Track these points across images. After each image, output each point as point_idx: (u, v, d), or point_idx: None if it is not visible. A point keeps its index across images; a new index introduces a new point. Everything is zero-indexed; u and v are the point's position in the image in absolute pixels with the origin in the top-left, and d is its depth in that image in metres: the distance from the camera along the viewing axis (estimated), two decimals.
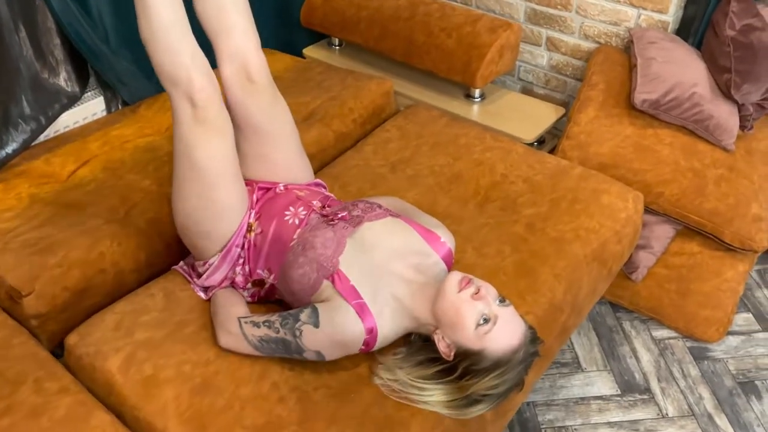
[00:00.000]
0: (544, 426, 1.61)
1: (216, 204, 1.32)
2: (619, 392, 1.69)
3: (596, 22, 2.03)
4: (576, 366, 1.75)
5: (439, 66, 1.98)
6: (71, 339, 1.33)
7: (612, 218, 1.60)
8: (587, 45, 2.08)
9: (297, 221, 1.36)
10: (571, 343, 1.82)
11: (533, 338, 1.19)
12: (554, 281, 1.44)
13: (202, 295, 1.40)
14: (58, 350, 1.45)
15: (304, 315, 1.22)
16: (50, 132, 1.94)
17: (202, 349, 1.29)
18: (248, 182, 1.45)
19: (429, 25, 1.99)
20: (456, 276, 1.18)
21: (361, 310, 1.21)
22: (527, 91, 2.29)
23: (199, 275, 1.40)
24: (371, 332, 1.21)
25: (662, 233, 1.81)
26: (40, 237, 1.49)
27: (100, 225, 1.53)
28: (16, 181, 1.71)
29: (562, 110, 2.03)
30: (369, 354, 1.26)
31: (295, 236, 1.33)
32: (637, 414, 1.64)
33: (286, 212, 1.38)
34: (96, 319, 1.36)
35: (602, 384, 1.71)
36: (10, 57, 1.81)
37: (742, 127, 1.83)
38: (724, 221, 1.72)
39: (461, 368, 1.16)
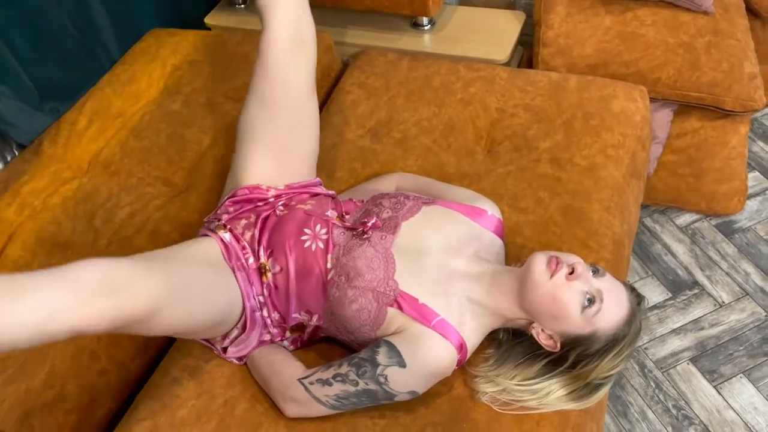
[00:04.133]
0: None
1: (210, 308, 1.05)
2: (670, 295, 1.63)
3: None
4: None
5: (381, 2, 1.71)
6: None
7: (631, 125, 1.46)
8: None
9: (321, 245, 1.13)
10: None
11: (639, 300, 1.06)
12: (608, 215, 1.30)
13: (234, 361, 1.17)
14: None
15: (382, 356, 1.02)
16: None
17: (268, 429, 1.08)
18: (238, 215, 1.19)
19: None
20: (540, 258, 1.01)
21: (443, 329, 1.03)
22: (466, 0, 2.06)
23: (224, 349, 1.15)
24: (461, 348, 1.04)
25: (662, 119, 1.71)
26: (5, 357, 1.18)
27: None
28: None
29: (522, 15, 1.83)
30: (459, 368, 1.09)
31: (329, 265, 1.11)
32: (696, 311, 1.59)
33: (303, 237, 1.14)
34: (126, 425, 1.11)
35: (651, 292, 1.64)
36: None
37: None
38: (723, 89, 1.63)
39: (573, 356, 1.02)
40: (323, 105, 1.68)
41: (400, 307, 1.04)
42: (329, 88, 1.74)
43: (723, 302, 1.61)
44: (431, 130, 1.51)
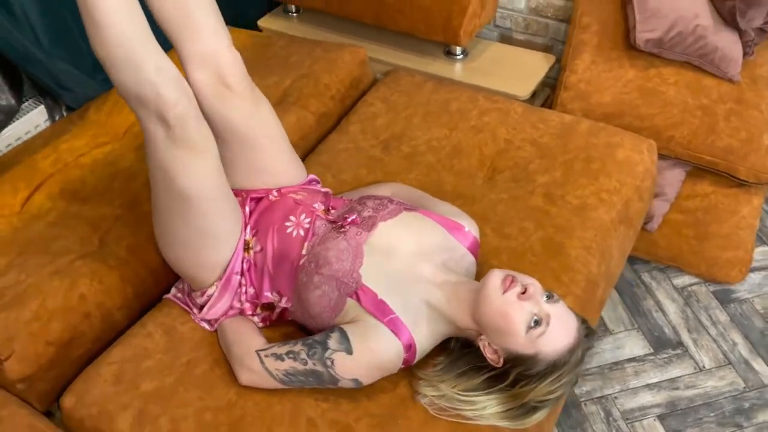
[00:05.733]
0: (582, 399, 1.54)
1: (207, 232, 1.16)
2: (651, 350, 1.63)
3: None
4: (603, 329, 1.68)
5: (416, 26, 1.80)
6: (67, 401, 1.17)
7: (631, 174, 1.49)
8: None
9: (302, 232, 1.21)
10: None
11: (588, 332, 1.09)
12: (587, 255, 1.33)
13: (206, 326, 1.25)
14: (54, 408, 1.30)
15: (333, 341, 1.08)
16: None
17: (220, 392, 1.15)
18: (237, 192, 1.28)
19: None
20: (497, 275, 1.06)
21: (395, 326, 1.08)
22: (506, 38, 2.13)
23: (200, 307, 1.24)
24: (410, 348, 1.09)
25: (674, 178, 1.72)
26: (6, 286, 1.30)
27: (73, 261, 1.34)
28: None
29: (552, 58, 1.89)
30: (407, 368, 1.13)
31: (303, 251, 1.18)
32: (674, 371, 1.58)
33: (287, 223, 1.22)
34: (91, 372, 1.20)
35: (633, 344, 1.64)
36: None
37: (744, 53, 1.73)
38: (738, 158, 1.63)
39: (513, 374, 1.05)
40: (347, 113, 1.77)
41: (358, 299, 1.10)
42: (356, 99, 1.83)
43: (704, 367, 1.59)
44: (439, 150, 1.58)
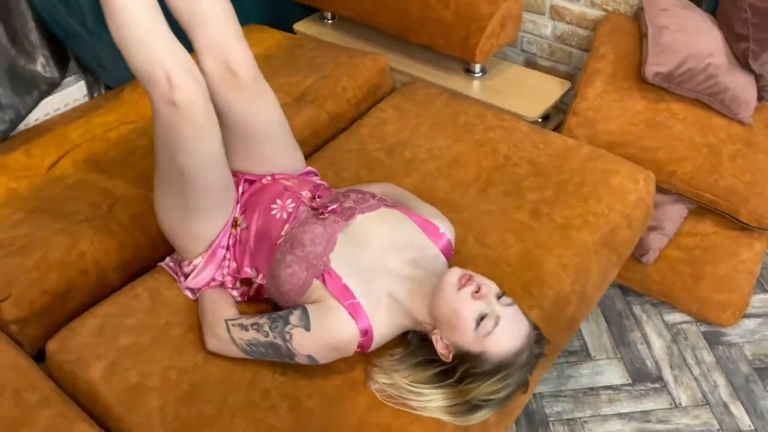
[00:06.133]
0: (551, 419, 1.55)
1: (199, 208, 1.24)
2: (629, 381, 1.62)
3: None
4: (585, 354, 1.68)
5: (436, 41, 1.87)
6: (52, 345, 1.26)
7: (622, 201, 1.51)
8: (594, 13, 1.96)
9: (285, 215, 1.28)
10: (579, 330, 1.75)
11: (538, 339, 1.12)
12: (561, 272, 1.35)
13: (189, 294, 1.33)
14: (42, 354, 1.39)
15: (294, 317, 1.14)
16: (30, 120, 1.85)
17: (189, 354, 1.22)
18: (234, 173, 1.36)
19: None
20: (455, 272, 1.10)
21: (354, 310, 1.13)
22: (531, 63, 2.17)
23: (186, 275, 1.32)
24: (366, 333, 1.14)
25: (674, 213, 1.72)
26: (17, 236, 1.41)
27: (81, 222, 1.45)
28: None
29: (568, 84, 1.92)
30: (365, 355, 1.18)
31: (282, 232, 1.25)
32: (649, 404, 1.57)
33: (273, 206, 1.29)
34: (77, 323, 1.29)
35: (612, 373, 1.64)
36: None
37: (759, 98, 1.72)
38: (741, 200, 1.62)
39: (460, 371, 1.09)
40: (360, 116, 1.84)
41: (324, 282, 1.16)
42: (372, 104, 1.90)
43: (680, 404, 1.57)
44: (439, 159, 1.63)
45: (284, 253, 1.21)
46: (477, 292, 1.07)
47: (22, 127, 1.82)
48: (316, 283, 1.17)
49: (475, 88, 1.92)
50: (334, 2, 2.04)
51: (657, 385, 1.61)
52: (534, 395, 1.60)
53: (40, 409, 1.14)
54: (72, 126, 1.79)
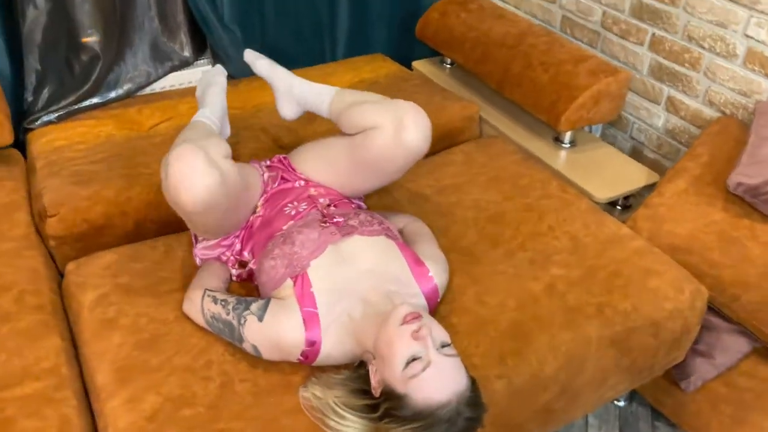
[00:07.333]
0: None
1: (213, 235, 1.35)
2: None
3: (724, 89, 1.75)
4: None
5: (527, 100, 1.84)
6: (70, 266, 1.42)
7: (653, 305, 1.36)
8: (710, 113, 1.81)
9: (293, 213, 1.33)
10: None
11: (472, 402, 1.04)
12: (548, 353, 1.25)
13: (197, 260, 1.42)
14: None
15: (255, 306, 1.18)
16: (156, 87, 2.10)
17: (166, 309, 1.30)
18: (271, 166, 1.45)
19: (530, 57, 1.85)
20: (404, 309, 1.07)
21: (310, 319, 1.14)
22: (637, 151, 2.05)
23: (199, 242, 1.41)
24: (313, 345, 1.14)
25: (732, 345, 1.51)
26: (90, 170, 1.61)
27: (143, 174, 1.61)
28: (106, 121, 1.87)
29: (655, 177, 1.78)
30: (307, 365, 1.18)
31: (284, 227, 1.30)
32: None
33: (290, 204, 1.35)
34: (98, 255, 1.44)
35: None
36: (136, 14, 1.99)
37: None
38: None
39: (383, 408, 1.04)
40: (432, 155, 1.86)
41: (295, 283, 1.18)
42: (449, 146, 1.90)
43: None
44: (481, 210, 1.59)
45: (275, 245, 1.25)
46: (417, 331, 1.03)
47: (147, 90, 2.08)
48: (289, 282, 1.20)
49: (557, 157, 1.85)
50: (449, 47, 2.10)
51: None
52: None
53: (30, 313, 1.28)
54: (185, 99, 2.00)
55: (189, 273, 1.39)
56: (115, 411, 1.12)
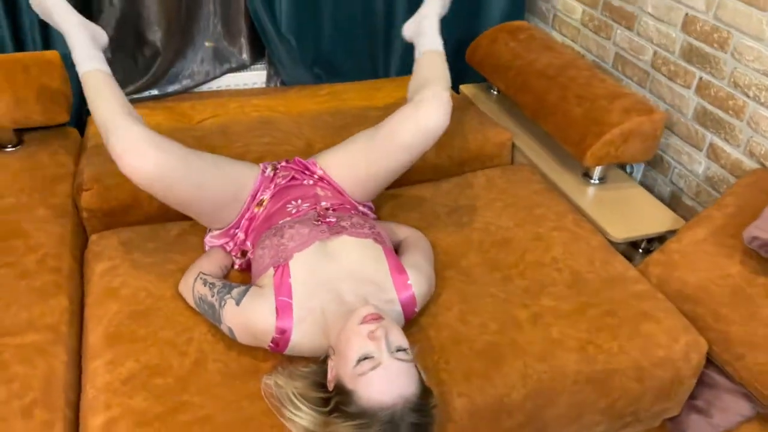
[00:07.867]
0: None
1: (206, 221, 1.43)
2: None
3: (766, 141, 1.68)
4: None
5: (557, 131, 1.82)
6: (93, 237, 1.54)
7: (642, 350, 1.32)
8: (749, 164, 1.73)
9: (294, 210, 1.39)
10: None
11: (418, 409, 1.04)
12: (518, 379, 1.24)
13: (206, 245, 1.51)
14: None
15: (236, 290, 1.24)
16: (213, 85, 2.24)
17: (165, 286, 1.39)
18: (286, 166, 1.52)
19: (566, 89, 1.84)
20: (366, 309, 1.10)
21: (282, 308, 1.19)
22: (675, 197, 1.98)
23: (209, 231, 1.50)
24: (283, 333, 1.19)
25: (733, 406, 1.43)
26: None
27: None
28: (159, 111, 2.02)
29: (681, 223, 1.71)
30: (278, 352, 1.22)
31: (281, 222, 1.36)
32: None
33: (293, 202, 1.41)
34: (119, 230, 1.56)
35: None
36: (201, 17, 2.15)
37: None
38: None
39: (333, 403, 1.08)
40: (456, 175, 1.88)
41: (275, 272, 1.24)
42: (474, 169, 1.92)
43: None
44: (489, 234, 1.59)
45: (268, 236, 1.32)
46: (373, 332, 1.06)
47: (204, 87, 2.23)
48: (271, 271, 1.25)
49: (583, 192, 1.82)
50: (494, 73, 2.11)
51: None
52: None
53: (47, 274, 1.41)
54: (234, 99, 2.13)
55: (195, 257, 1.47)
56: (96, 370, 1.21)
